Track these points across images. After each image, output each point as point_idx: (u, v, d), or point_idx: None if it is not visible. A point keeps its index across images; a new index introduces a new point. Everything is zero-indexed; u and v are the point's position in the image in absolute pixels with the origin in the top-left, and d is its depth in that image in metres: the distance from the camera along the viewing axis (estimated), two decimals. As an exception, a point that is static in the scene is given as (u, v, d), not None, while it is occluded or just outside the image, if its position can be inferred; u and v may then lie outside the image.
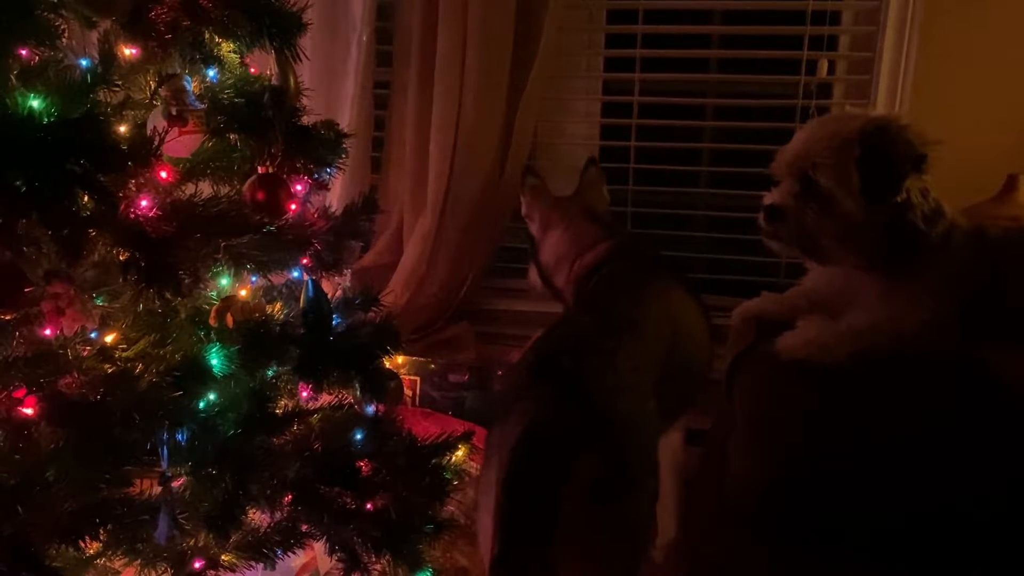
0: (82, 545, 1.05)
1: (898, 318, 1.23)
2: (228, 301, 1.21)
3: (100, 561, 1.18)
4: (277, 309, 1.33)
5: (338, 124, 1.30)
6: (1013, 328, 1.21)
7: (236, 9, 1.09)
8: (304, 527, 1.31)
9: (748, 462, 1.35)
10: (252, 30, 1.11)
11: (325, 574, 1.58)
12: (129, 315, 1.16)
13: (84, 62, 1.06)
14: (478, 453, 1.58)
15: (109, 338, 1.15)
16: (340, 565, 1.37)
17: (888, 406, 1.23)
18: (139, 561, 1.19)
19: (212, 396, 1.19)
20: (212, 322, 1.19)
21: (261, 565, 1.28)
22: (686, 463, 1.67)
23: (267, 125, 1.13)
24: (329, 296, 1.33)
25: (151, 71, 1.13)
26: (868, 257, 1.27)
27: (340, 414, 1.38)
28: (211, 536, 1.19)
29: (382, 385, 1.35)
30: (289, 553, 1.31)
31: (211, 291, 1.25)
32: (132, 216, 1.01)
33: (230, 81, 1.17)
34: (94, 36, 1.09)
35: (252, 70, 1.24)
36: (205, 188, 1.22)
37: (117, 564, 1.20)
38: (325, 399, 1.38)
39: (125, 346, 1.15)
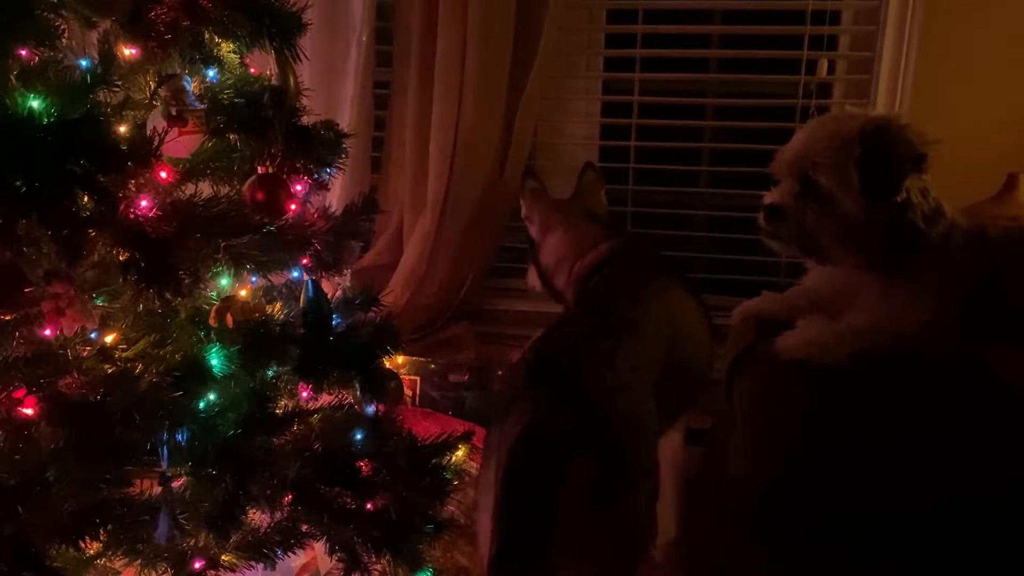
0: (82, 545, 1.05)
1: (898, 318, 1.23)
2: (228, 301, 1.21)
3: (100, 561, 1.18)
4: (277, 309, 1.33)
5: (338, 124, 1.30)
6: (1013, 328, 1.21)
7: (236, 9, 1.09)
8: (304, 527, 1.31)
9: (748, 462, 1.35)
10: (252, 30, 1.11)
11: (325, 574, 1.58)
12: (129, 315, 1.16)
13: (84, 62, 1.06)
14: (478, 453, 1.58)
15: (109, 338, 1.15)
16: (340, 565, 1.37)
17: (888, 406, 1.23)
18: (139, 561, 1.19)
19: (212, 396, 1.19)
20: (212, 322, 1.19)
21: (261, 565, 1.28)
22: (686, 463, 1.67)
23: (267, 125, 1.13)
24: (329, 296, 1.33)
25: (151, 71, 1.13)
26: (868, 257, 1.27)
27: (340, 414, 1.38)
28: (211, 536, 1.19)
29: (382, 385, 1.35)
30: (289, 553, 1.31)
31: (211, 291, 1.25)
32: (132, 216, 1.01)
33: (230, 81, 1.17)
34: (94, 36, 1.09)
35: (252, 70, 1.24)
36: (205, 188, 1.22)
37: (117, 564, 1.20)
38: (325, 399, 1.38)
39: (125, 346, 1.15)
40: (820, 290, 1.40)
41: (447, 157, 1.96)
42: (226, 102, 1.15)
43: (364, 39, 1.98)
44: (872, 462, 1.21)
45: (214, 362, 1.16)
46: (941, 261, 1.23)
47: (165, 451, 1.13)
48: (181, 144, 1.15)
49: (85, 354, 1.12)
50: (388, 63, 2.09)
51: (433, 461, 1.41)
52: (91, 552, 1.14)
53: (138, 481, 1.17)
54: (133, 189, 1.04)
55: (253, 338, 1.19)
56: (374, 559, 1.35)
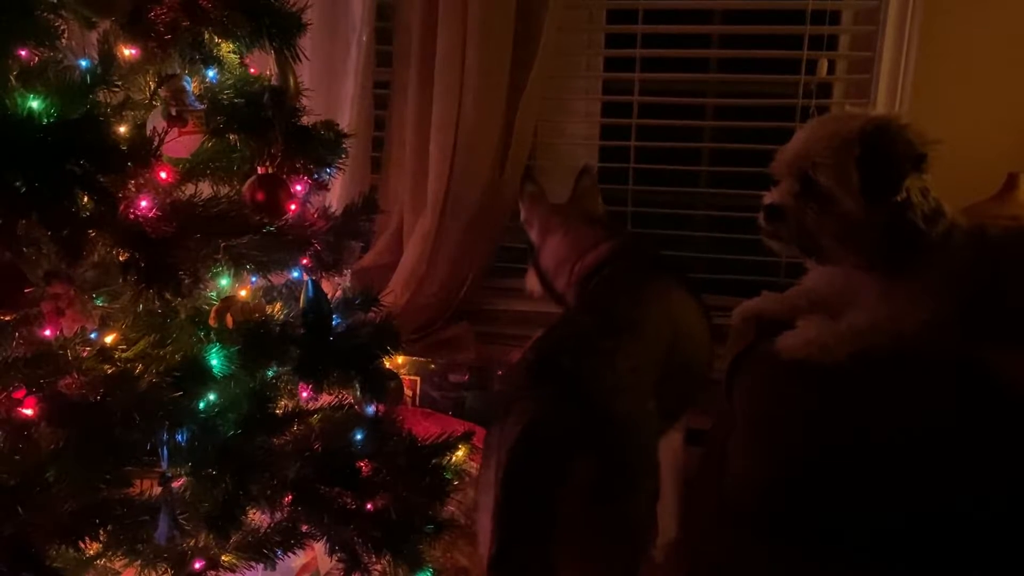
0: (82, 546, 1.05)
1: (898, 318, 1.23)
2: (228, 301, 1.21)
3: (100, 562, 1.18)
4: (277, 309, 1.33)
5: (338, 124, 1.30)
6: (1013, 328, 1.21)
7: (236, 9, 1.09)
8: (304, 527, 1.31)
9: (748, 462, 1.35)
10: (252, 30, 1.11)
11: (325, 574, 1.58)
12: (129, 315, 1.16)
13: (84, 63, 1.06)
14: (478, 453, 1.58)
15: (109, 339, 1.15)
16: (340, 565, 1.37)
17: (888, 406, 1.23)
18: (139, 562, 1.19)
19: (212, 396, 1.19)
20: (212, 322, 1.19)
21: (261, 565, 1.28)
22: (687, 463, 1.67)
23: (267, 125, 1.13)
24: (329, 296, 1.33)
25: (151, 71, 1.13)
26: (868, 256, 1.27)
27: (340, 414, 1.38)
28: (211, 536, 1.19)
29: (382, 385, 1.35)
30: (289, 553, 1.31)
31: (211, 291, 1.25)
32: (132, 216, 1.01)
33: (230, 81, 1.17)
34: (94, 36, 1.09)
35: (252, 70, 1.24)
36: (205, 188, 1.22)
37: (117, 565, 1.20)
38: (325, 399, 1.38)
39: (125, 346, 1.15)
40: (820, 290, 1.40)
41: (447, 157, 1.96)
42: (226, 102, 1.15)
43: (364, 39, 1.98)
44: (872, 462, 1.21)
45: (214, 362, 1.16)
46: (941, 261, 1.23)
47: (165, 451, 1.13)
48: (181, 144, 1.15)
49: (85, 354, 1.12)
50: (388, 63, 2.09)
51: (433, 461, 1.41)
52: (91, 552, 1.14)
53: (138, 481, 1.17)
54: (133, 189, 1.04)
55: (253, 338, 1.18)
56: (374, 559, 1.35)
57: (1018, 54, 1.80)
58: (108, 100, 1.09)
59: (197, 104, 1.13)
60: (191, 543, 1.22)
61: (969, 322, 1.22)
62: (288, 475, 1.21)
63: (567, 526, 1.12)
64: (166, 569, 1.20)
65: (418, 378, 2.05)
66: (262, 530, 1.29)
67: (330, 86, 1.98)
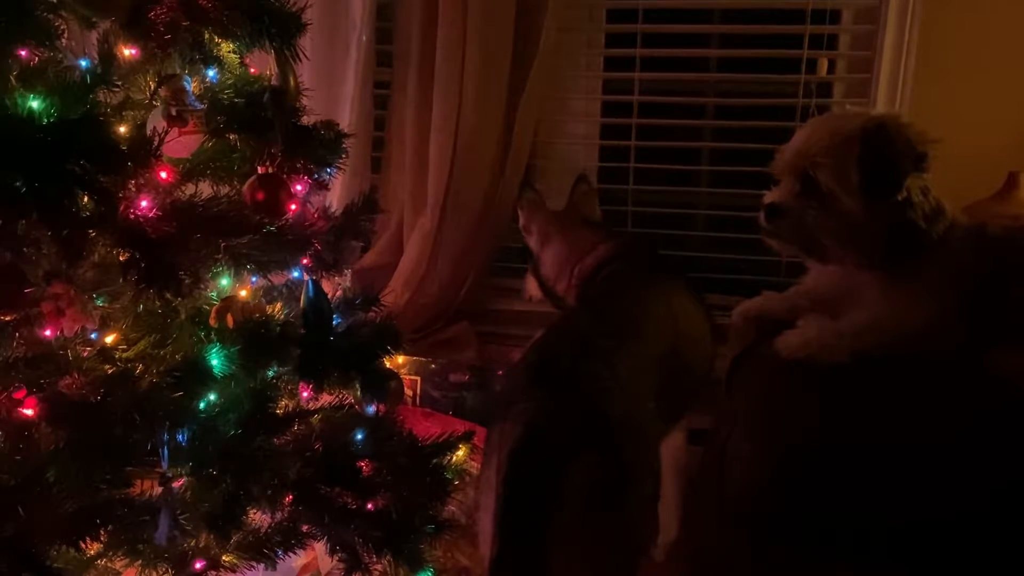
0: (83, 546, 1.05)
1: (899, 317, 1.23)
2: (228, 301, 1.21)
3: (101, 562, 1.18)
4: (277, 309, 1.33)
5: (338, 124, 1.30)
6: (1015, 327, 1.21)
7: (236, 9, 1.09)
8: (305, 527, 1.31)
9: (748, 462, 1.35)
10: (252, 30, 1.11)
11: (326, 574, 1.58)
12: (129, 316, 1.16)
13: (84, 63, 1.06)
14: (479, 453, 1.58)
15: (109, 339, 1.15)
16: (341, 565, 1.37)
17: (889, 405, 1.23)
18: (140, 562, 1.19)
19: (213, 396, 1.19)
20: (212, 322, 1.19)
21: (262, 565, 1.28)
22: (688, 462, 1.67)
23: (267, 125, 1.13)
24: (329, 296, 1.33)
25: (151, 71, 1.13)
26: (869, 256, 1.26)
27: (341, 414, 1.38)
28: (212, 537, 1.19)
29: (383, 385, 1.35)
30: (290, 553, 1.31)
31: (211, 291, 1.25)
32: (132, 216, 1.01)
33: (230, 81, 1.17)
34: (93, 37, 1.09)
35: (252, 70, 1.24)
36: (205, 188, 1.22)
37: (118, 565, 1.20)
38: (326, 399, 1.38)
39: (125, 347, 1.15)
40: (821, 289, 1.40)
41: (447, 157, 1.96)
42: (226, 102, 1.15)
43: (364, 39, 1.98)
44: (873, 462, 1.21)
45: (214, 362, 1.16)
46: (942, 260, 1.23)
47: (165, 451, 1.13)
48: (181, 144, 1.15)
49: (85, 354, 1.12)
50: (388, 63, 2.09)
51: (434, 461, 1.41)
52: (91, 553, 1.14)
53: (138, 482, 1.17)
54: (133, 189, 1.04)
55: (253, 338, 1.19)
56: (375, 559, 1.35)
57: (1018, 53, 1.80)
58: (108, 100, 1.09)
59: (197, 104, 1.14)
60: (192, 543, 1.22)
61: (970, 321, 1.22)
62: (289, 475, 1.21)
63: (567, 526, 1.12)
64: (167, 569, 1.20)
65: (419, 378, 2.05)
66: (263, 530, 1.29)
67: (330, 86, 1.98)
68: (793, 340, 1.30)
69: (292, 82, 1.21)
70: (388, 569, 1.36)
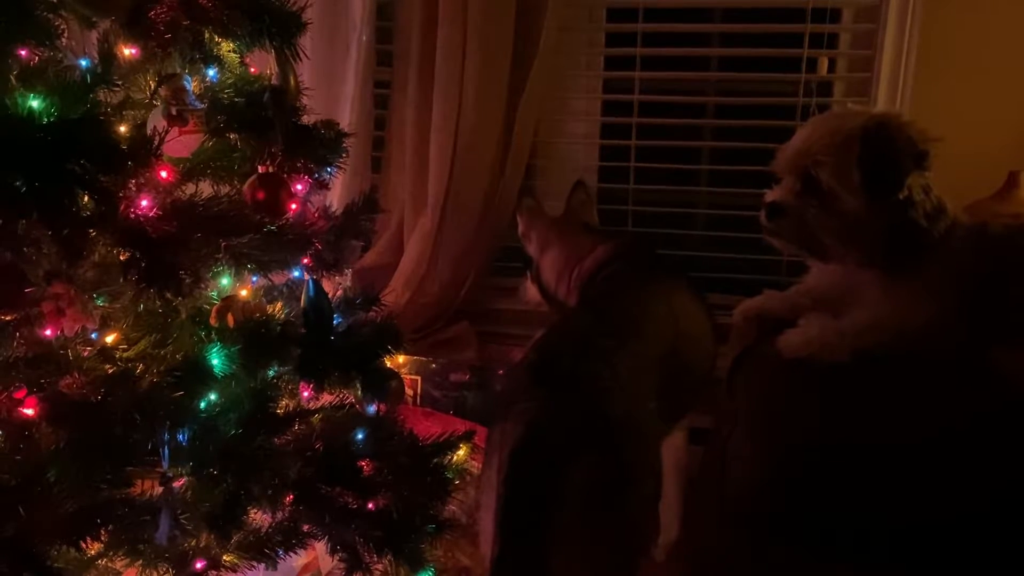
0: (83, 546, 1.05)
1: (900, 316, 1.23)
2: (229, 301, 1.21)
3: (101, 562, 1.18)
4: (278, 309, 1.33)
5: (338, 124, 1.30)
6: (1015, 325, 1.21)
7: (236, 8, 1.09)
8: (305, 527, 1.31)
9: (749, 461, 1.35)
10: (252, 30, 1.11)
11: (327, 574, 1.58)
12: (130, 315, 1.16)
13: (84, 62, 1.06)
14: (479, 452, 1.58)
15: (110, 338, 1.15)
16: (342, 565, 1.37)
17: (890, 405, 1.23)
18: (140, 562, 1.18)
19: (213, 396, 1.19)
20: (213, 322, 1.19)
21: (263, 565, 1.28)
22: (689, 462, 1.67)
23: (267, 125, 1.13)
24: (330, 296, 1.33)
25: (151, 71, 1.13)
26: (870, 254, 1.26)
27: (341, 414, 1.38)
28: (212, 536, 1.19)
29: (383, 385, 1.35)
30: (291, 553, 1.31)
31: (212, 291, 1.25)
32: (132, 216, 1.01)
33: (230, 81, 1.17)
34: (94, 36, 1.09)
35: (252, 70, 1.24)
36: (205, 188, 1.22)
37: (118, 565, 1.20)
38: (326, 399, 1.38)
39: (126, 346, 1.15)
40: (822, 288, 1.40)
41: (447, 156, 1.96)
42: (226, 101, 1.15)
43: (364, 39, 1.98)
44: (873, 462, 1.21)
45: (215, 362, 1.16)
46: (943, 259, 1.23)
47: (166, 451, 1.12)
48: (181, 144, 1.15)
49: (86, 354, 1.12)
50: (388, 62, 2.09)
51: (434, 460, 1.41)
52: (92, 552, 1.14)
53: (139, 481, 1.17)
54: (133, 189, 1.04)
55: (254, 338, 1.18)
56: (375, 559, 1.34)
57: (1019, 52, 1.80)
58: (108, 100, 1.09)
59: (197, 103, 1.14)
60: (192, 543, 1.22)
61: (971, 320, 1.22)
62: (289, 475, 1.21)
63: (567, 526, 1.12)
64: (167, 569, 1.20)
65: (419, 377, 2.05)
66: (263, 530, 1.29)
67: (330, 86, 1.98)
68: (795, 339, 1.30)
69: (292, 81, 1.21)
70: (389, 569, 1.36)
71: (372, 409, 1.39)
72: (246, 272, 1.25)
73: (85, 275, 1.10)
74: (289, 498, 1.24)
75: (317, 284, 1.29)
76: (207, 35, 1.11)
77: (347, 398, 1.39)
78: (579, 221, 1.82)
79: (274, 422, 1.25)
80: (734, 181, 2.05)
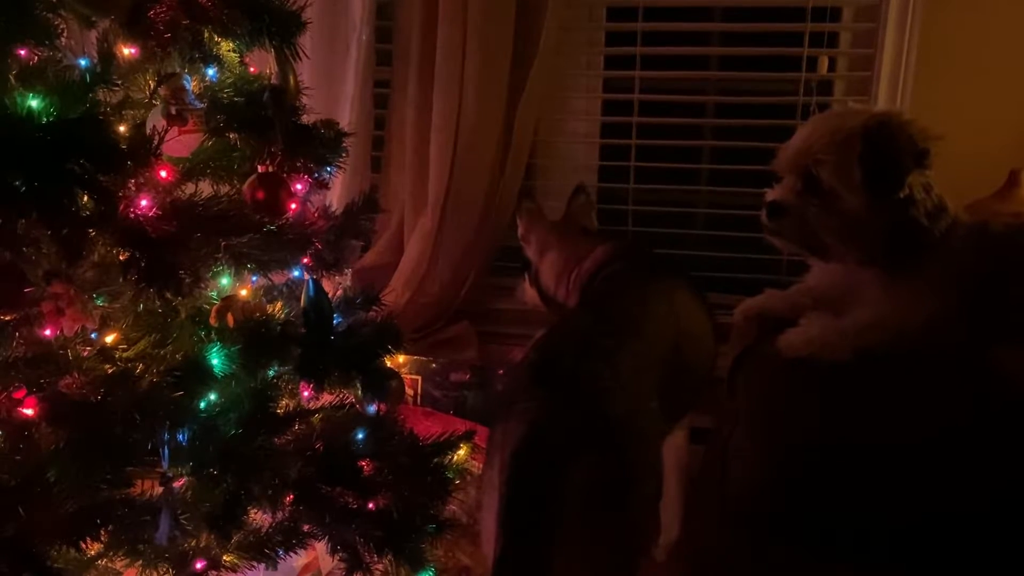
0: (83, 546, 1.05)
1: (901, 315, 1.23)
2: (229, 301, 1.20)
3: (101, 562, 1.18)
4: (278, 309, 1.33)
5: (338, 123, 1.30)
6: (1016, 324, 1.21)
7: (235, 8, 1.08)
8: (306, 527, 1.31)
9: (750, 461, 1.35)
10: (252, 29, 1.11)
11: (327, 574, 1.58)
12: (129, 315, 1.16)
13: (83, 62, 1.06)
14: (480, 452, 1.58)
15: (109, 338, 1.15)
16: (342, 565, 1.37)
17: (891, 404, 1.23)
18: (140, 562, 1.18)
19: (213, 396, 1.19)
20: (213, 322, 1.19)
21: (263, 565, 1.28)
22: (690, 462, 1.67)
23: (267, 124, 1.13)
24: (330, 295, 1.32)
25: (150, 70, 1.13)
26: (871, 253, 1.26)
27: (341, 413, 1.38)
28: (213, 536, 1.19)
29: (383, 384, 1.35)
30: (291, 553, 1.31)
31: (212, 291, 1.25)
32: (132, 216, 1.01)
33: (230, 80, 1.17)
34: (93, 36, 1.09)
35: (252, 69, 1.24)
36: (205, 187, 1.22)
37: (118, 565, 1.20)
38: (326, 398, 1.38)
39: (125, 346, 1.15)
40: (823, 288, 1.40)
41: (447, 156, 1.96)
42: (226, 101, 1.15)
43: (364, 38, 1.98)
44: (873, 461, 1.20)
45: (215, 362, 1.16)
46: (944, 257, 1.23)
47: (166, 451, 1.12)
48: (181, 143, 1.15)
49: (85, 354, 1.12)
50: (388, 62, 2.08)
51: (435, 460, 1.41)
52: (92, 553, 1.14)
53: (139, 481, 1.17)
54: (133, 189, 1.04)
55: (254, 338, 1.18)
56: (376, 559, 1.34)
57: (1019, 50, 1.79)
58: (108, 99, 1.09)
59: (197, 103, 1.13)
60: (192, 543, 1.22)
61: (972, 319, 1.22)
62: (289, 475, 1.21)
63: (569, 525, 1.11)
64: (167, 569, 1.20)
65: (419, 377, 2.05)
66: (263, 530, 1.29)
67: (330, 85, 1.98)
68: (796, 338, 1.30)
69: (292, 81, 1.21)
70: (389, 569, 1.36)
71: (372, 409, 1.39)
72: (246, 272, 1.25)
73: (85, 275, 1.10)
74: (289, 498, 1.24)
75: (317, 284, 1.29)
76: (207, 34, 1.11)
77: (347, 398, 1.39)
78: (578, 225, 1.83)
79: (274, 422, 1.25)
80: (734, 180, 2.05)
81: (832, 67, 1.99)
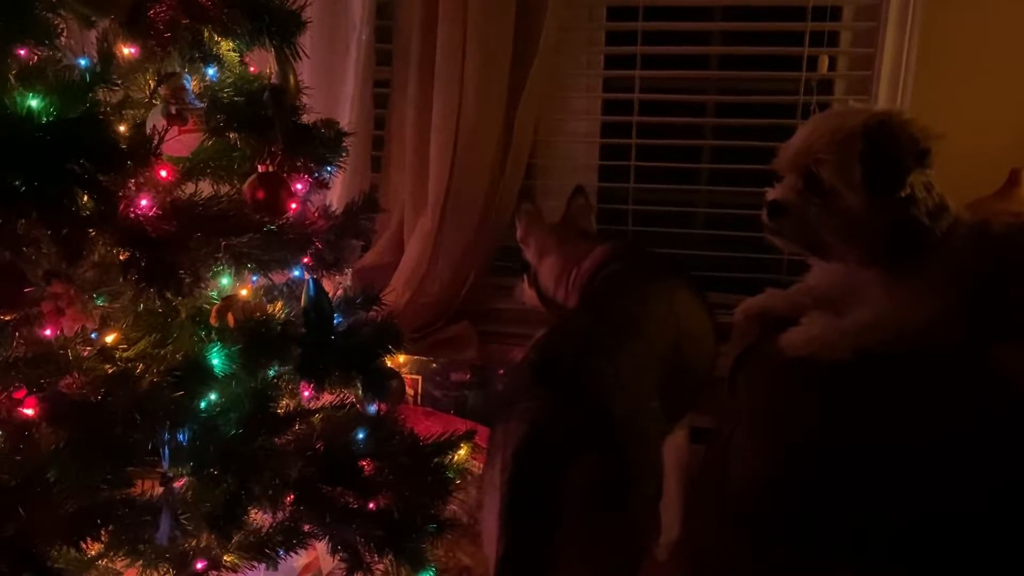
0: (84, 546, 1.05)
1: (902, 314, 1.23)
2: (229, 300, 1.20)
3: (102, 562, 1.18)
4: (278, 308, 1.33)
5: (338, 123, 1.30)
6: (1017, 323, 1.21)
7: (235, 7, 1.08)
8: (306, 527, 1.31)
9: (750, 461, 1.35)
10: (251, 28, 1.10)
11: (328, 574, 1.58)
12: (130, 315, 1.16)
13: (83, 61, 1.06)
14: (480, 452, 1.58)
15: (110, 338, 1.15)
16: (343, 565, 1.37)
17: (892, 403, 1.23)
18: (141, 562, 1.18)
19: (213, 396, 1.18)
20: (213, 322, 1.19)
21: (263, 565, 1.28)
22: (690, 461, 1.67)
23: (267, 124, 1.13)
24: (330, 295, 1.32)
25: (150, 70, 1.13)
26: (871, 252, 1.26)
27: (342, 413, 1.38)
28: (213, 537, 1.19)
29: (384, 384, 1.35)
30: (291, 553, 1.31)
31: (212, 291, 1.25)
32: (132, 216, 1.01)
33: (230, 80, 1.17)
34: (93, 35, 1.09)
35: (252, 69, 1.24)
36: (205, 187, 1.22)
37: (119, 565, 1.20)
38: (327, 398, 1.38)
39: (126, 346, 1.15)
40: (823, 287, 1.40)
41: (447, 155, 1.95)
42: (226, 100, 1.14)
43: (364, 38, 1.98)
44: (874, 461, 1.20)
45: (215, 362, 1.16)
46: (945, 257, 1.23)
47: (166, 451, 1.12)
48: (181, 143, 1.15)
49: (85, 354, 1.11)
50: (388, 62, 2.08)
51: (435, 460, 1.41)
52: (92, 553, 1.14)
53: (139, 482, 1.16)
54: (133, 188, 1.04)
55: (254, 337, 1.18)
56: (376, 559, 1.34)
57: (1020, 49, 1.79)
58: (108, 99, 1.09)
59: (197, 102, 1.13)
60: (193, 543, 1.22)
61: (972, 319, 1.22)
62: (290, 474, 1.21)
63: (570, 525, 1.11)
64: (168, 569, 1.20)
65: (420, 377, 2.05)
66: (264, 530, 1.28)
67: (330, 85, 1.98)
68: (796, 338, 1.30)
69: (292, 80, 1.21)
70: (390, 569, 1.36)
71: (373, 409, 1.39)
72: (246, 272, 1.25)
73: (85, 275, 1.10)
74: (290, 498, 1.24)
75: (317, 283, 1.29)
76: (207, 34, 1.11)
77: (348, 398, 1.39)
78: (577, 227, 1.83)
79: (275, 422, 1.25)
80: (735, 180, 2.05)
81: (832, 66, 1.99)
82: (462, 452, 1.48)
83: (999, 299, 1.22)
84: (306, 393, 1.36)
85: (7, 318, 1.03)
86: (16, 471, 1.00)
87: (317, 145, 1.23)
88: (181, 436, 1.13)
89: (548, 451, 1.13)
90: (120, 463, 1.05)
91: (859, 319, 1.26)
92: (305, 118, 1.22)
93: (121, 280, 1.05)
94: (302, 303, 1.28)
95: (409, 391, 2.01)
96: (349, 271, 1.81)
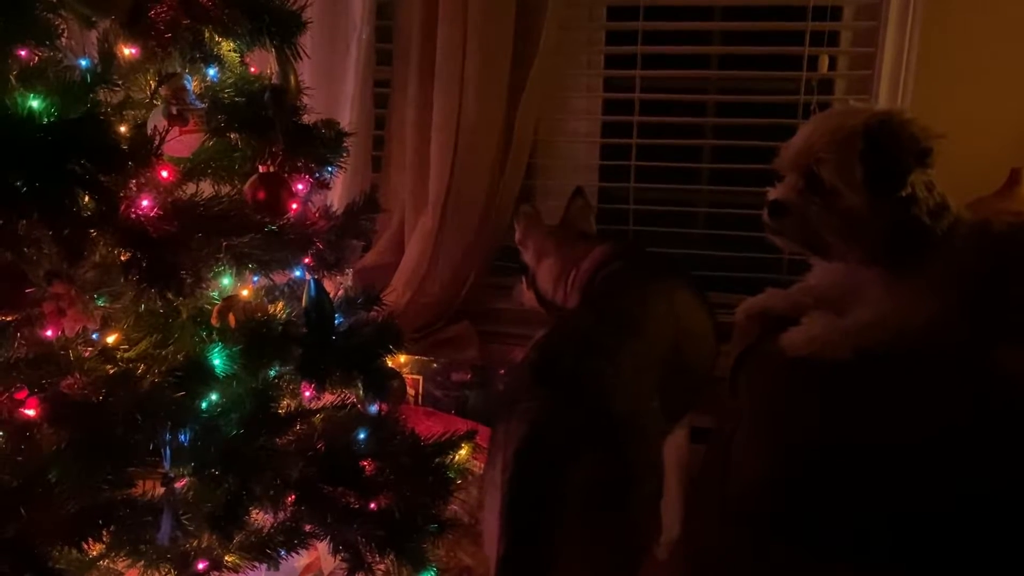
0: (85, 546, 1.05)
1: (903, 314, 1.23)
2: (230, 301, 1.20)
3: (103, 562, 1.18)
4: (279, 309, 1.33)
5: (339, 123, 1.30)
6: (1017, 324, 1.21)
7: (236, 8, 1.09)
8: (307, 527, 1.31)
9: (751, 460, 1.35)
10: (252, 29, 1.11)
11: (329, 574, 1.58)
12: (131, 315, 1.16)
13: (84, 62, 1.06)
14: (481, 452, 1.58)
15: (111, 339, 1.15)
16: (344, 565, 1.37)
17: (892, 403, 1.22)
18: (142, 562, 1.18)
19: (215, 396, 1.19)
20: (214, 322, 1.19)
21: (264, 566, 1.28)
22: (691, 461, 1.67)
23: (268, 124, 1.13)
24: (331, 295, 1.32)
25: (151, 70, 1.13)
26: (872, 252, 1.26)
27: (343, 413, 1.38)
28: (214, 537, 1.19)
29: (385, 384, 1.35)
30: (293, 553, 1.31)
31: (213, 291, 1.25)
32: (133, 216, 1.01)
33: (230, 80, 1.17)
34: (93, 36, 1.09)
35: (252, 69, 1.24)
36: (206, 188, 1.22)
37: (120, 565, 1.20)
38: (328, 398, 1.38)
39: (127, 347, 1.15)
40: (824, 287, 1.39)
41: (448, 156, 1.96)
42: (227, 101, 1.15)
43: (364, 38, 1.98)
44: (874, 461, 1.20)
45: (216, 362, 1.16)
46: (946, 256, 1.23)
47: (167, 452, 1.12)
48: (182, 143, 1.15)
49: (87, 355, 1.12)
50: (388, 62, 2.08)
51: (436, 460, 1.41)
52: (94, 553, 1.14)
53: (141, 482, 1.16)
54: (134, 189, 1.04)
55: (255, 338, 1.18)
56: (378, 559, 1.34)
57: (1021, 49, 1.79)
58: (108, 99, 1.09)
59: (198, 103, 1.13)
60: (194, 544, 1.22)
61: (973, 318, 1.22)
62: (291, 475, 1.21)
63: (570, 525, 1.11)
64: (169, 570, 1.20)
65: (420, 377, 2.05)
66: (265, 530, 1.28)
67: (330, 85, 1.98)
68: (797, 337, 1.30)
69: (292, 81, 1.21)
70: (391, 569, 1.36)
71: (374, 409, 1.39)
72: (247, 272, 1.25)
73: (86, 275, 1.10)
74: (291, 498, 1.24)
75: (318, 284, 1.29)
76: (207, 34, 1.11)
77: (349, 398, 1.39)
78: (576, 229, 1.82)
79: (276, 422, 1.25)
80: (735, 179, 2.05)
81: (833, 66, 1.99)
82: (463, 452, 1.48)
83: (1000, 299, 1.22)
84: (307, 393, 1.36)
85: (8, 319, 1.03)
86: (17, 471, 1.00)
87: (318, 145, 1.23)
88: (182, 436, 1.13)
89: (549, 451, 1.13)
90: (121, 463, 1.06)
91: (860, 319, 1.26)
92: (306, 118, 1.22)
93: (122, 280, 1.05)
94: (303, 303, 1.28)
95: (410, 391, 2.01)
96: (350, 271, 1.81)
